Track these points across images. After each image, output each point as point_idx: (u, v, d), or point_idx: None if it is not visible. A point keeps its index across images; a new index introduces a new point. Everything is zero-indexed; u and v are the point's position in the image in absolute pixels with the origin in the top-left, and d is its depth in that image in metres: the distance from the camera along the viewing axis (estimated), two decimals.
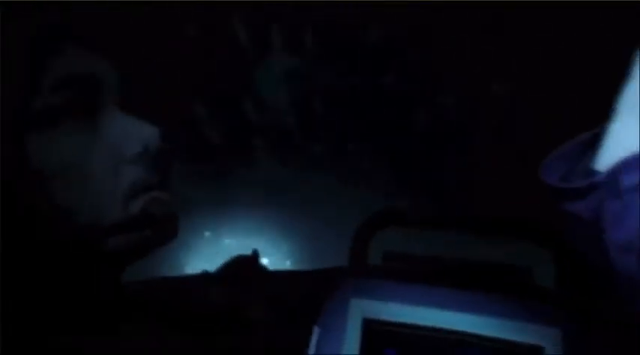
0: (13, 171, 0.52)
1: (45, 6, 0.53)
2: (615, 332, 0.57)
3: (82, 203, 0.53)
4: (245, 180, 1.71)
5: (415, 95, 1.69)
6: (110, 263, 0.57)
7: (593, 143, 0.55)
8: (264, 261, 0.76)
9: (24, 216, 0.52)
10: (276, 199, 1.66)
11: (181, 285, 0.70)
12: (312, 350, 0.57)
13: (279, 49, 1.73)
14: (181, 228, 0.59)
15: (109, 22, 0.57)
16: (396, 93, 1.70)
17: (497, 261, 0.66)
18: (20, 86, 0.52)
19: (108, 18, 0.57)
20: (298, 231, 1.60)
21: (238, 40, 1.64)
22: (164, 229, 0.58)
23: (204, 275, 0.72)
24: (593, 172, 0.53)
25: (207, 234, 1.58)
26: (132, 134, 0.56)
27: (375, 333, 0.57)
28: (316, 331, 0.58)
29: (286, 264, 1.53)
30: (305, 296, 0.66)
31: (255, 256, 0.74)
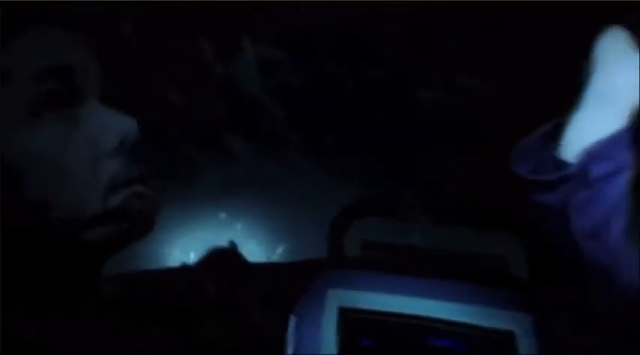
0: None
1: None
2: (582, 317, 0.58)
3: (61, 195, 0.53)
4: (223, 172, 1.71)
5: (396, 88, 1.70)
6: (89, 256, 0.58)
7: (558, 133, 0.56)
8: (243, 252, 0.76)
9: (1, 209, 0.52)
10: (255, 191, 1.66)
11: (160, 278, 0.70)
12: (289, 338, 0.58)
13: (256, 41, 1.72)
14: (160, 221, 0.60)
15: (90, 15, 0.57)
16: (376, 86, 1.71)
17: (472, 250, 0.67)
18: None
19: (89, 11, 0.57)
20: (277, 222, 1.61)
21: (216, 32, 1.63)
22: (143, 223, 0.58)
23: (183, 268, 0.72)
24: (563, 163, 0.54)
25: (186, 226, 1.57)
26: (111, 127, 0.56)
27: (351, 322, 0.58)
28: (293, 320, 0.59)
29: (265, 256, 1.53)
30: (283, 287, 0.67)
31: (232, 248, 0.75)
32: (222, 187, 1.66)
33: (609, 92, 0.54)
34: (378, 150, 1.70)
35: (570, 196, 0.53)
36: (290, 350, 0.58)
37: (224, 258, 0.73)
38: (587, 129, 0.54)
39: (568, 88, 0.57)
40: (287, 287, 0.65)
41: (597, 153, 0.53)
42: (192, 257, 0.74)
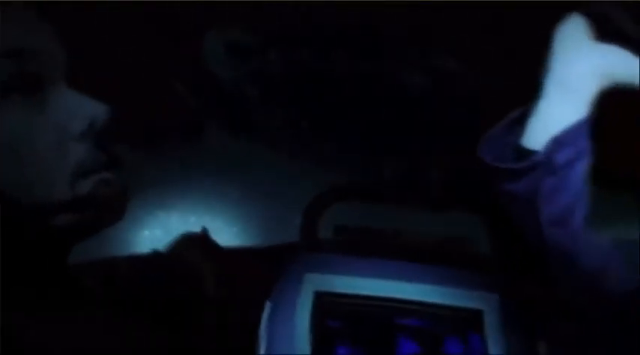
0: None
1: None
2: (549, 298, 0.60)
3: (27, 181, 0.52)
4: (195, 157, 1.69)
5: (368, 74, 1.70)
6: (55, 243, 0.56)
7: (523, 120, 0.57)
8: (216, 238, 0.76)
9: None
10: (227, 176, 1.65)
11: (129, 265, 0.69)
12: (263, 325, 0.58)
13: (228, 23, 1.70)
14: (130, 206, 0.59)
15: None
16: (349, 71, 1.70)
17: (442, 233, 0.69)
18: None
19: None
20: (250, 207, 1.60)
21: (186, 14, 1.60)
22: (112, 210, 0.57)
23: (154, 255, 0.71)
24: (528, 151, 0.55)
25: (156, 212, 1.56)
26: (79, 111, 0.54)
27: (327, 305, 0.58)
28: (268, 306, 0.59)
29: (238, 241, 1.53)
30: (258, 273, 0.67)
31: (204, 234, 0.74)
32: (194, 173, 1.65)
33: (569, 80, 0.55)
34: (351, 137, 1.70)
35: (536, 184, 0.54)
36: (264, 335, 0.58)
37: (196, 244, 0.72)
38: (549, 116, 0.55)
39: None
40: (261, 273, 0.65)
41: (561, 140, 0.54)
42: (162, 243, 0.73)
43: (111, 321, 0.58)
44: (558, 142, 0.54)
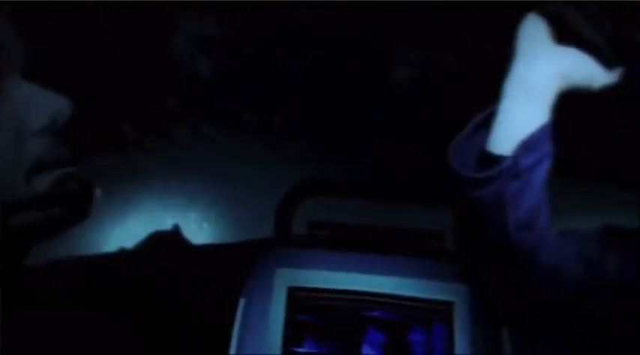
0: None
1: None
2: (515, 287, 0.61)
3: None
4: (167, 152, 1.67)
5: (342, 70, 1.70)
6: (12, 243, 0.54)
7: (487, 124, 0.57)
8: (188, 234, 0.75)
9: None
10: (199, 172, 1.63)
11: (96, 264, 0.67)
12: (237, 321, 0.57)
13: (198, 19, 1.68)
14: (97, 204, 0.57)
15: None
16: (324, 66, 1.70)
17: (413, 226, 0.69)
18: None
19: None
20: (223, 202, 1.59)
21: (154, 9, 1.57)
22: (77, 207, 0.55)
23: (122, 253, 0.70)
24: (494, 156, 0.56)
25: (126, 209, 1.53)
26: (38, 105, 0.52)
27: (300, 300, 0.58)
28: (242, 302, 0.59)
29: (210, 238, 1.51)
30: (231, 269, 0.66)
31: (176, 231, 0.73)
32: (163, 169, 1.62)
33: (530, 82, 0.55)
34: (324, 133, 1.70)
35: (502, 189, 0.55)
36: (237, 331, 0.57)
37: (166, 241, 0.71)
38: (513, 120, 0.56)
39: None
40: (233, 268, 0.64)
41: (527, 145, 0.55)
42: (132, 241, 0.72)
43: (70, 322, 0.57)
44: (524, 147, 0.54)
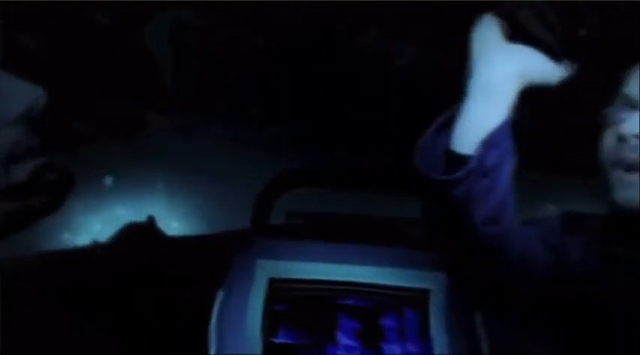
0: None
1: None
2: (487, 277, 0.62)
3: None
4: (143, 144, 1.65)
5: (322, 61, 1.69)
6: None
7: (450, 124, 0.58)
8: (163, 227, 0.73)
9: None
10: (177, 163, 1.61)
11: (67, 258, 0.66)
12: (215, 313, 0.57)
13: (176, 8, 1.66)
14: (70, 197, 0.56)
15: None
16: (300, 57, 1.69)
17: (389, 216, 0.70)
18: None
19: None
20: (200, 194, 1.57)
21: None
22: (51, 198, 0.54)
23: (94, 247, 0.68)
24: (458, 156, 0.57)
25: (100, 201, 1.50)
26: (13, 95, 0.51)
27: (278, 292, 0.58)
28: (221, 294, 0.58)
29: (187, 229, 1.50)
30: (209, 261, 0.66)
31: (150, 223, 0.72)
32: (140, 161, 1.60)
33: (489, 81, 0.56)
34: (302, 123, 1.69)
35: (469, 187, 0.56)
36: (215, 323, 0.56)
37: (141, 234, 0.70)
38: (475, 119, 0.57)
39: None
40: (211, 260, 0.64)
41: (488, 142, 0.56)
42: (106, 235, 0.71)
43: (45, 318, 0.55)
44: (486, 145, 0.55)
